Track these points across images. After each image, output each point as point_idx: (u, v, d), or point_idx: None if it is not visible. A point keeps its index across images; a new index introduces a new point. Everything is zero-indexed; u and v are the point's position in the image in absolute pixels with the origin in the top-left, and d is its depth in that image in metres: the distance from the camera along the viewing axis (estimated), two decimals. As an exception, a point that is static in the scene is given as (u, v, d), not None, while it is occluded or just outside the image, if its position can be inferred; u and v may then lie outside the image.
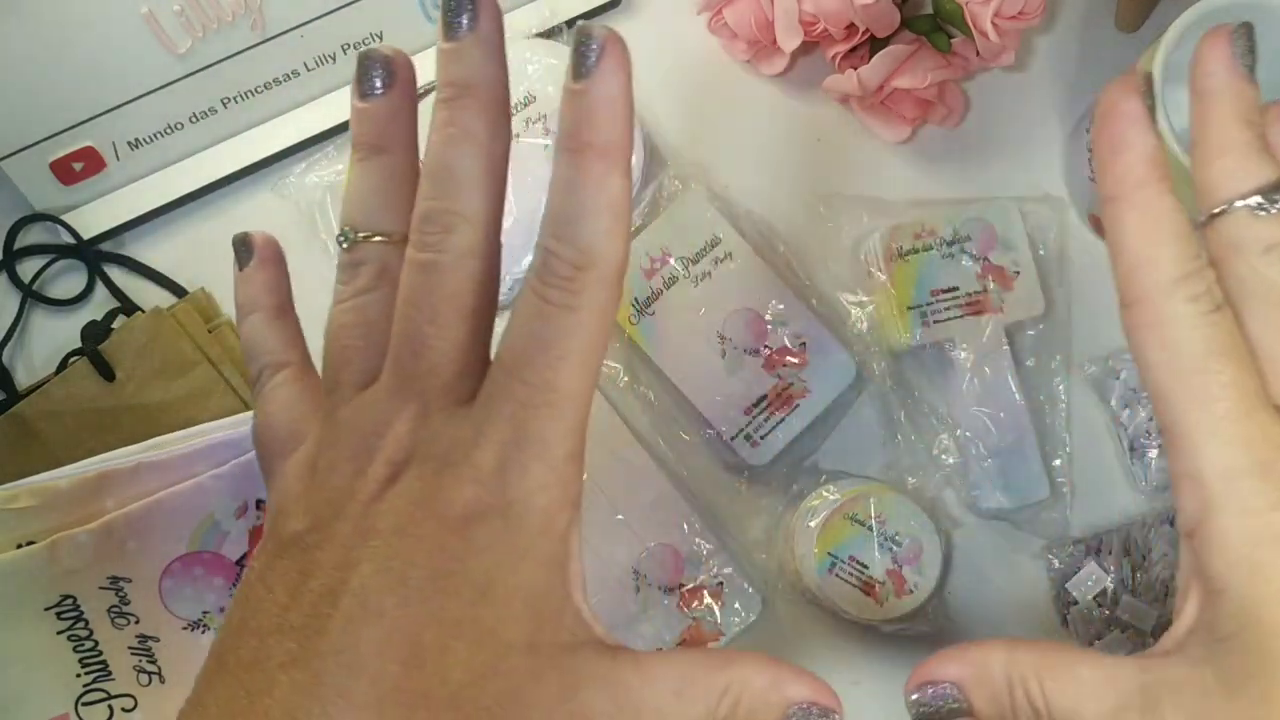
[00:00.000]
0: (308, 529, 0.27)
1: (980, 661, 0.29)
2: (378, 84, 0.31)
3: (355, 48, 0.55)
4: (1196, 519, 0.26)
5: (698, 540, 0.52)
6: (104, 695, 0.45)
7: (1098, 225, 0.56)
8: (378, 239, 0.30)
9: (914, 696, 0.30)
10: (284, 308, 0.34)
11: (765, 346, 0.53)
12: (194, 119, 0.54)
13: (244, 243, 0.35)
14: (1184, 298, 0.27)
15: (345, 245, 0.31)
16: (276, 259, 0.35)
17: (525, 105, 0.55)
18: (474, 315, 0.28)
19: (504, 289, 0.54)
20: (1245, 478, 0.26)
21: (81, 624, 0.45)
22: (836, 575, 0.50)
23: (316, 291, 0.56)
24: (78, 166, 0.53)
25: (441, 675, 0.25)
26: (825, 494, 0.51)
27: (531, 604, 0.27)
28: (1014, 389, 0.53)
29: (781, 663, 0.29)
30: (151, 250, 0.56)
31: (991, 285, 0.54)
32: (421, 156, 0.30)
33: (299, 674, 0.25)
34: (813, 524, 0.50)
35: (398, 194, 0.31)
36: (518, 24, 0.57)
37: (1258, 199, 0.27)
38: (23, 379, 0.54)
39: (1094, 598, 0.53)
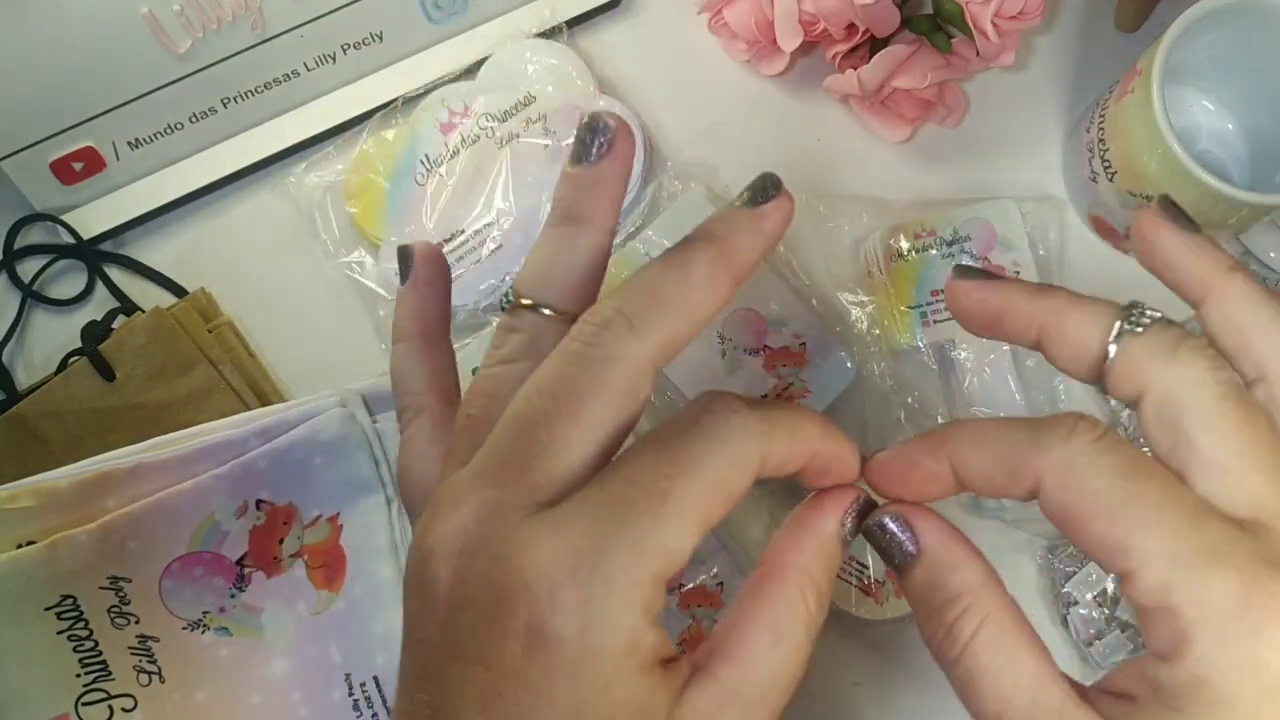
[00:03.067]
0: (409, 635, 0.25)
1: (961, 562, 0.28)
2: (593, 151, 0.29)
3: (355, 48, 0.55)
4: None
5: (698, 540, 0.52)
6: (104, 695, 0.45)
7: (1098, 225, 0.56)
8: (543, 310, 0.29)
9: (887, 520, 0.29)
10: (431, 336, 0.32)
11: (765, 346, 0.53)
12: (194, 119, 0.54)
13: (404, 257, 0.32)
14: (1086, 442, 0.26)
15: (506, 307, 0.30)
16: (430, 279, 0.32)
17: (525, 105, 0.55)
18: (601, 426, 0.25)
19: (504, 289, 0.54)
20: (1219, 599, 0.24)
21: (81, 624, 0.45)
22: (837, 575, 0.50)
23: (316, 293, 0.56)
24: (78, 166, 0.53)
25: None
26: (825, 494, 0.51)
27: (637, 716, 0.24)
28: (1014, 389, 0.53)
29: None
30: (151, 250, 0.56)
31: (991, 285, 0.54)
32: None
33: None
34: (813, 524, 0.50)
35: (579, 271, 0.30)
36: (518, 24, 0.57)
37: (1119, 324, 0.27)
38: (23, 379, 0.54)
39: (1094, 597, 0.53)
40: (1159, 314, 0.27)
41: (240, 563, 0.47)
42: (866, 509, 0.29)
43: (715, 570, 0.52)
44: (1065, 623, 0.53)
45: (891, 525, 0.29)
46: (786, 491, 0.54)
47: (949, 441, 0.28)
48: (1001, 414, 0.53)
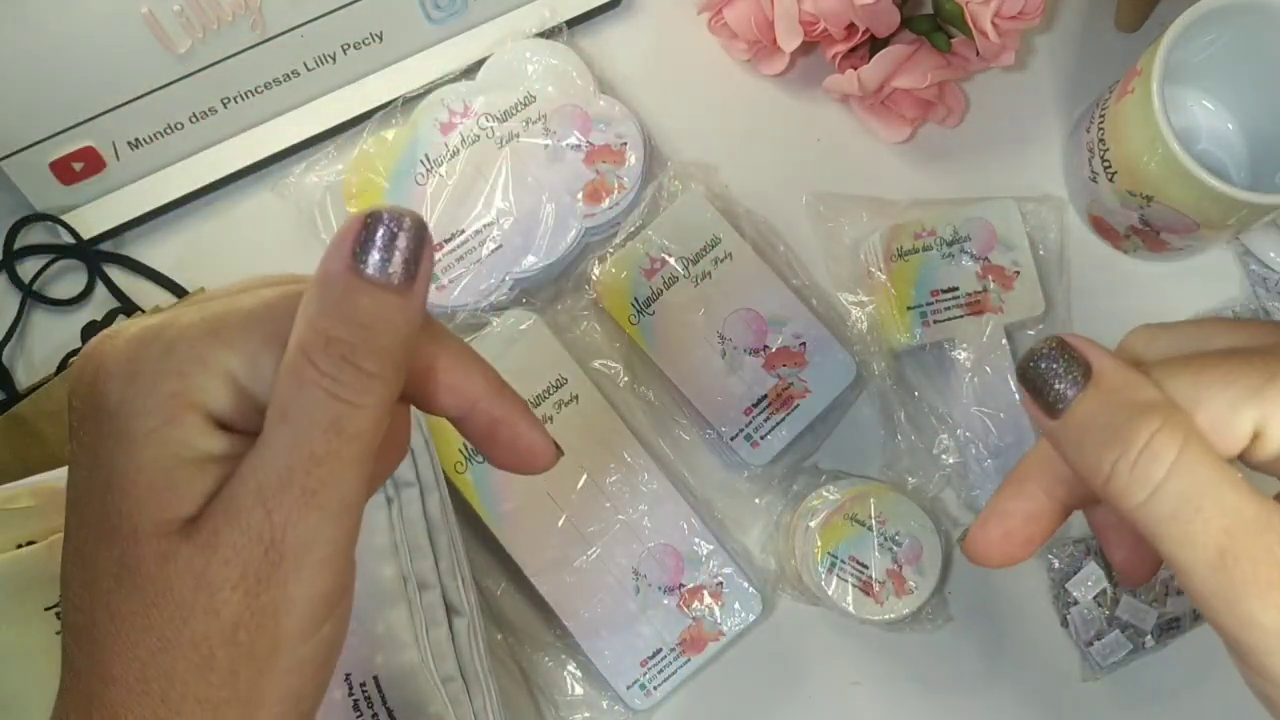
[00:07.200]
0: None
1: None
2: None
3: (355, 48, 0.55)
4: None
5: (698, 540, 0.52)
6: (104, 695, 0.45)
7: (1098, 225, 0.56)
8: None
9: (1047, 349, 0.27)
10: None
11: (765, 346, 0.53)
12: (194, 119, 0.54)
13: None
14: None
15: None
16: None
17: (525, 105, 0.55)
18: None
19: (504, 289, 0.54)
20: None
21: (81, 624, 0.45)
22: (836, 575, 0.50)
23: (316, 291, 0.56)
24: (78, 166, 0.53)
25: None
26: (825, 494, 0.51)
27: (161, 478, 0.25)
28: (1014, 389, 0.53)
29: None
30: (151, 250, 0.56)
31: (991, 285, 0.54)
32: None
33: None
34: (813, 524, 0.50)
35: None
36: (518, 24, 0.57)
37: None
38: (23, 379, 0.54)
39: (1094, 598, 0.53)
40: None
41: (240, 563, 0.47)
42: (395, 231, 0.25)
43: (715, 570, 0.52)
44: (1065, 623, 0.53)
45: (1055, 350, 0.27)
46: (786, 492, 0.54)
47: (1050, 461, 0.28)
48: (1002, 415, 0.53)
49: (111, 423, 0.24)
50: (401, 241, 0.25)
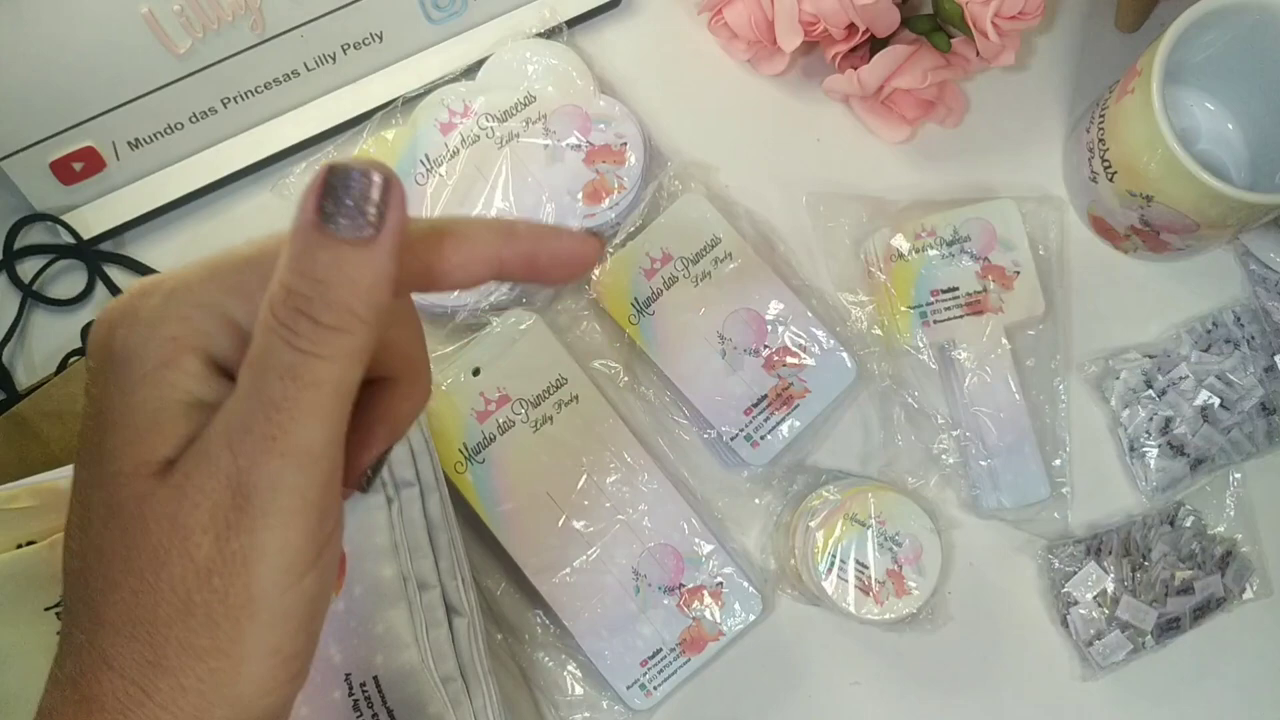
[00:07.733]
0: None
1: None
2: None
3: (355, 48, 0.55)
4: None
5: (698, 540, 0.52)
6: (104, 695, 0.45)
7: (1098, 225, 0.56)
8: None
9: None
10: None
11: (765, 346, 0.53)
12: (194, 119, 0.54)
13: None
14: None
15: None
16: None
17: (525, 105, 0.55)
18: None
19: (504, 289, 0.54)
20: None
21: (81, 624, 0.45)
22: (836, 575, 0.50)
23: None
24: (78, 166, 0.53)
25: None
26: (825, 494, 0.51)
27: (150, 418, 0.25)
28: (1014, 389, 0.53)
29: None
30: (151, 250, 0.56)
31: (991, 285, 0.54)
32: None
33: None
34: (813, 524, 0.50)
35: None
36: (518, 24, 0.57)
37: None
38: (23, 379, 0.54)
39: (1094, 598, 0.53)
40: None
41: (240, 563, 0.47)
42: (358, 185, 0.25)
43: (715, 570, 0.52)
44: (1065, 623, 0.53)
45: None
46: (786, 492, 0.54)
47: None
48: (1002, 415, 0.53)
49: (114, 368, 0.25)
50: (365, 195, 0.24)
